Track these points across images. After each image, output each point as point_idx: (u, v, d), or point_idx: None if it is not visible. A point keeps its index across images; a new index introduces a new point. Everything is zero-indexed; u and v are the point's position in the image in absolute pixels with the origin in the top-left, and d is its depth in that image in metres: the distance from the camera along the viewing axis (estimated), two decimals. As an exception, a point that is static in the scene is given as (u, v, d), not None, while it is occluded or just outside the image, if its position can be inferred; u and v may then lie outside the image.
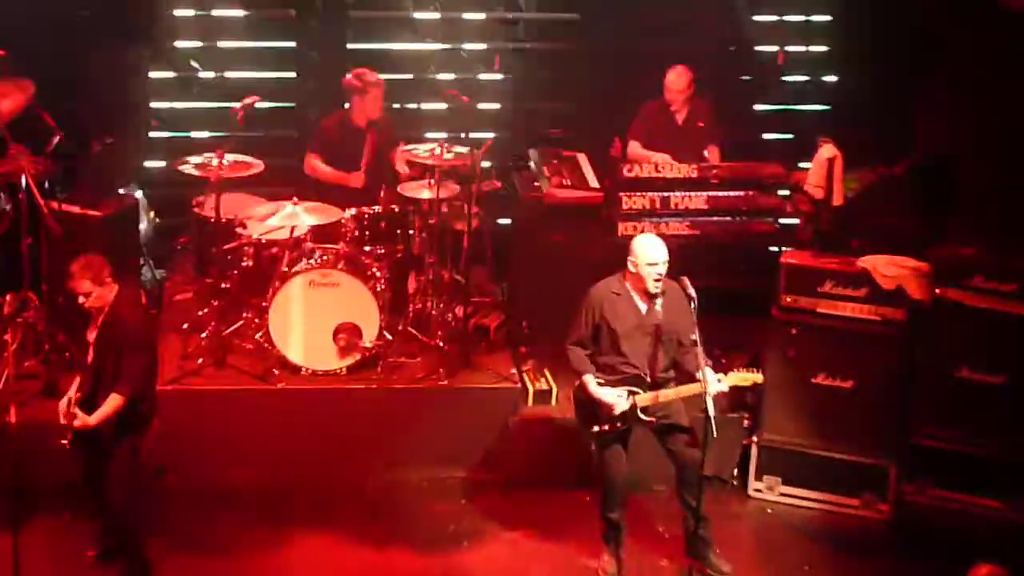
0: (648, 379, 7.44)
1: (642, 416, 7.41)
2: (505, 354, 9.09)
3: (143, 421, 7.33)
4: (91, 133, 9.58)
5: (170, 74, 10.43)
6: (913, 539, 8.26)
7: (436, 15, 10.65)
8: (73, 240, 8.36)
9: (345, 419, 8.54)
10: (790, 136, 11.01)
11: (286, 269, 8.62)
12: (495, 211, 9.80)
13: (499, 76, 10.78)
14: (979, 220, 8.76)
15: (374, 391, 8.58)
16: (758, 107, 11.05)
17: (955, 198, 9.05)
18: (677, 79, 9.51)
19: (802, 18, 11.10)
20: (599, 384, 7.41)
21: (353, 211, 8.84)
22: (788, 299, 8.53)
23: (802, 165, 9.66)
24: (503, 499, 8.49)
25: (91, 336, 7.30)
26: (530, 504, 8.41)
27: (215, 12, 10.47)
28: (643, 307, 7.45)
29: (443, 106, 10.39)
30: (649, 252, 7.36)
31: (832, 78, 11.14)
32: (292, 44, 10.74)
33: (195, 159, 8.79)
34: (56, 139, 8.52)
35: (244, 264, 8.92)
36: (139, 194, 10.06)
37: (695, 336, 7.21)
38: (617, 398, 7.36)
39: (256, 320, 8.81)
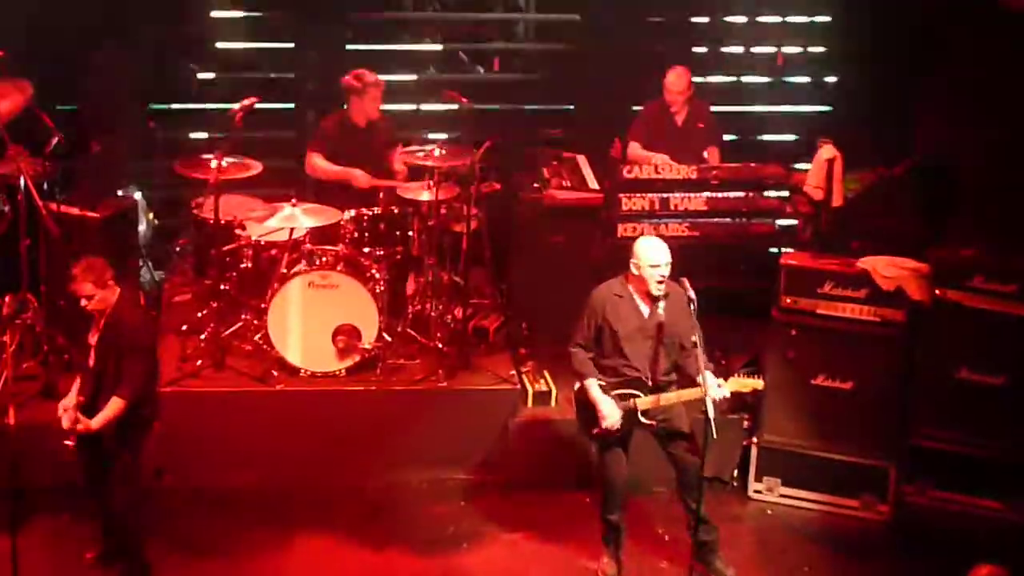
0: (649, 382, 7.41)
1: (642, 419, 7.40)
2: (504, 355, 9.06)
3: (145, 424, 7.32)
4: (90, 134, 9.58)
5: (169, 74, 10.44)
6: (913, 540, 8.24)
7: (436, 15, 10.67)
8: (72, 241, 8.38)
9: (344, 421, 8.52)
10: (790, 137, 11.01)
11: (285, 271, 8.61)
12: (494, 213, 9.79)
13: (499, 76, 10.78)
14: (979, 221, 8.75)
15: (373, 393, 8.56)
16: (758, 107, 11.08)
17: (955, 199, 9.04)
18: (677, 80, 9.50)
19: (802, 18, 11.10)
20: (600, 388, 7.39)
21: (352, 213, 8.83)
22: (788, 300, 8.52)
23: (802, 166, 9.67)
24: (502, 501, 8.47)
25: (93, 339, 7.26)
26: (530, 506, 8.40)
27: (215, 13, 10.48)
28: (645, 309, 7.44)
29: (443, 107, 10.39)
30: (652, 254, 7.34)
31: (832, 78, 11.14)
32: (291, 45, 10.74)
33: (194, 160, 8.78)
34: (55, 140, 8.49)
35: (243, 266, 8.91)
36: (138, 195, 10.07)
37: (695, 338, 7.20)
38: (611, 410, 7.32)
39: (255, 322, 8.80)
